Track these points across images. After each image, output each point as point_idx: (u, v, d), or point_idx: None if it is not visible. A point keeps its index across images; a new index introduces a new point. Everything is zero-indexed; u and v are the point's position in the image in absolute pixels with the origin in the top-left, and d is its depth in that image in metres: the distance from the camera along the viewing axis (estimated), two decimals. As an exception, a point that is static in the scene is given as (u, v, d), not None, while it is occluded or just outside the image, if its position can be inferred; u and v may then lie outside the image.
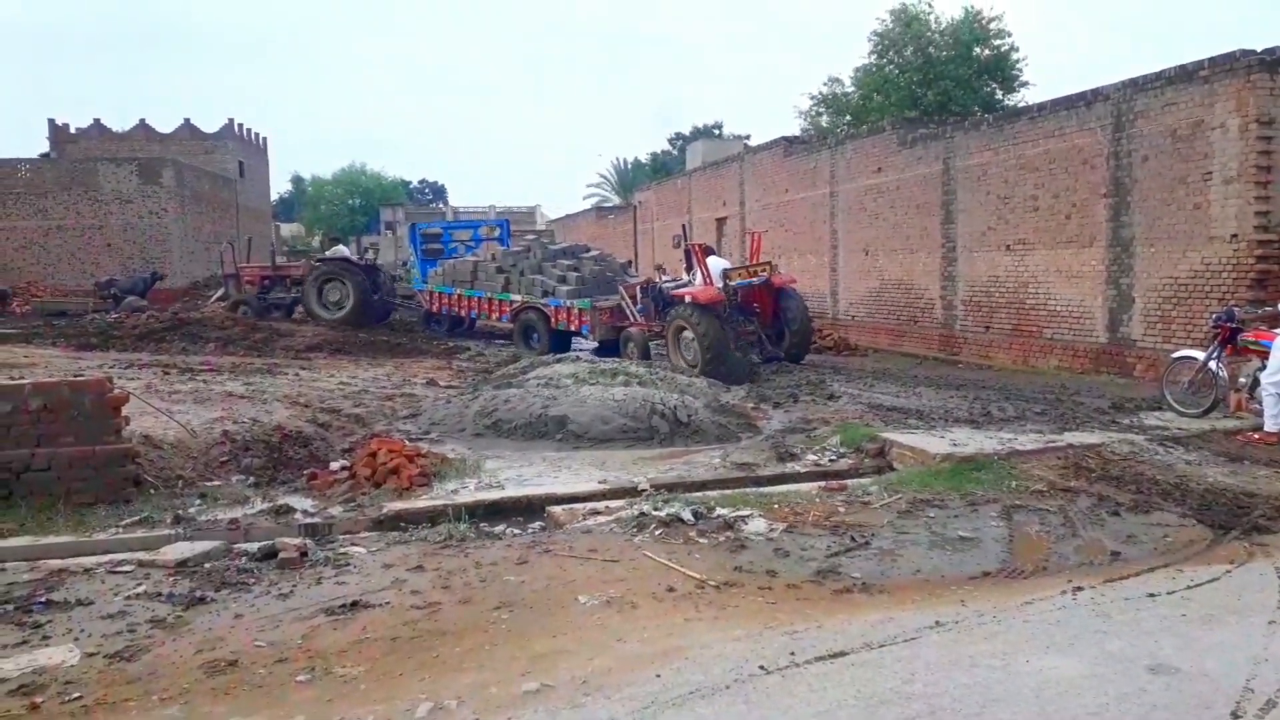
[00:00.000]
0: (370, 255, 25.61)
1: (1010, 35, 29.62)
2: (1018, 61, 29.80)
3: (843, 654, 4.32)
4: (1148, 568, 5.57)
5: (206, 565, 5.78)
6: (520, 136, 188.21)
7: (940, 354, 17.85)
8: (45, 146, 51.44)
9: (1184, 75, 12.63)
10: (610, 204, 55.96)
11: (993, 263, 16.56)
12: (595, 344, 17.66)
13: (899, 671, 4.13)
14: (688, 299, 14.78)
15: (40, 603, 5.15)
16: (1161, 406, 10.29)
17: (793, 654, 4.31)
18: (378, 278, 24.27)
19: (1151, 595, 5.08)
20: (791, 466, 8.46)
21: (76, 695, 4.04)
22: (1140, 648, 4.37)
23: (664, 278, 18.13)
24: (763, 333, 15.61)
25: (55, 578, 5.58)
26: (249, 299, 24.21)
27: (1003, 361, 16.17)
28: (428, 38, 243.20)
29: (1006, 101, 29.29)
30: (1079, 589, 5.19)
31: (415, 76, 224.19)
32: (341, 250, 25.47)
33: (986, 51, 29.49)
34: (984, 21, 29.50)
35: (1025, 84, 30.14)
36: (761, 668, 4.17)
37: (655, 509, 6.61)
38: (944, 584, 5.37)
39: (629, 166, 65.84)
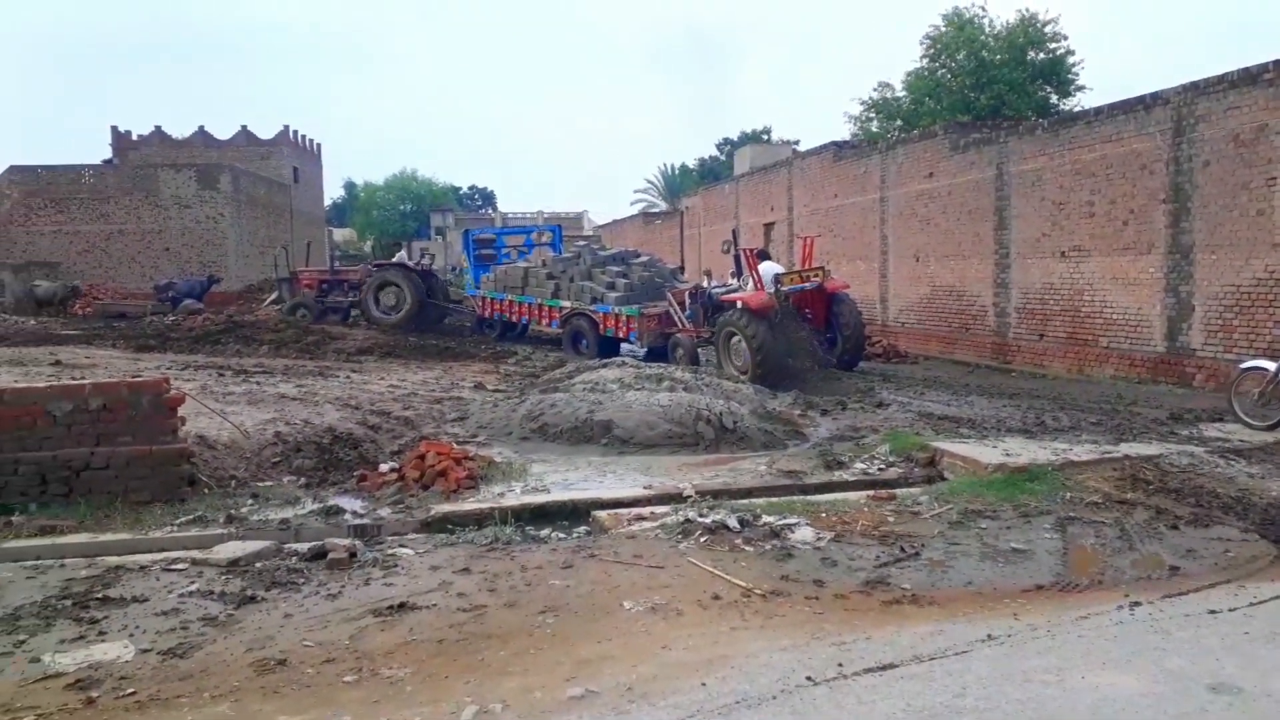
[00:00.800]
0: (426, 260, 25.92)
1: (1066, 38, 29.17)
2: (1073, 65, 29.32)
3: (892, 666, 4.25)
4: (1208, 583, 5.41)
5: (258, 564, 5.86)
6: (568, 143, 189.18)
7: (993, 362, 17.57)
8: (108, 153, 52.91)
9: (1247, 78, 12.32)
10: (657, 209, 55.99)
11: (1047, 269, 16.28)
12: (644, 350, 17.64)
13: (950, 685, 4.05)
14: (739, 304, 14.70)
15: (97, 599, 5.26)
16: (1224, 418, 10.02)
17: (840, 665, 4.25)
18: (433, 282, 24.59)
19: (1212, 612, 4.93)
20: (839, 475, 8.35)
21: (130, 690, 4.11)
22: (1201, 666, 4.24)
23: (711, 283, 18.05)
24: (815, 339, 15.46)
25: (112, 574, 5.70)
26: (307, 302, 24.67)
27: (1057, 370, 15.87)
28: (477, 46, 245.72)
29: (1062, 106, 28.81)
30: (1136, 604, 5.06)
31: (465, 83, 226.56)
32: (400, 255, 25.88)
33: (1041, 55, 29.03)
34: (1039, 24, 29.05)
35: (1081, 88, 29.68)
36: (809, 678, 4.11)
37: (700, 515, 6.57)
38: (996, 596, 5.26)
39: (676, 172, 65.88)
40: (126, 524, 6.78)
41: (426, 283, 23.99)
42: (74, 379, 10.79)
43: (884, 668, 4.23)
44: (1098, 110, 15.47)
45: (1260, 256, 12.20)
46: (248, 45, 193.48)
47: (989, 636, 4.61)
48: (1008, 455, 8.08)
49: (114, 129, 53.65)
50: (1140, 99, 14.19)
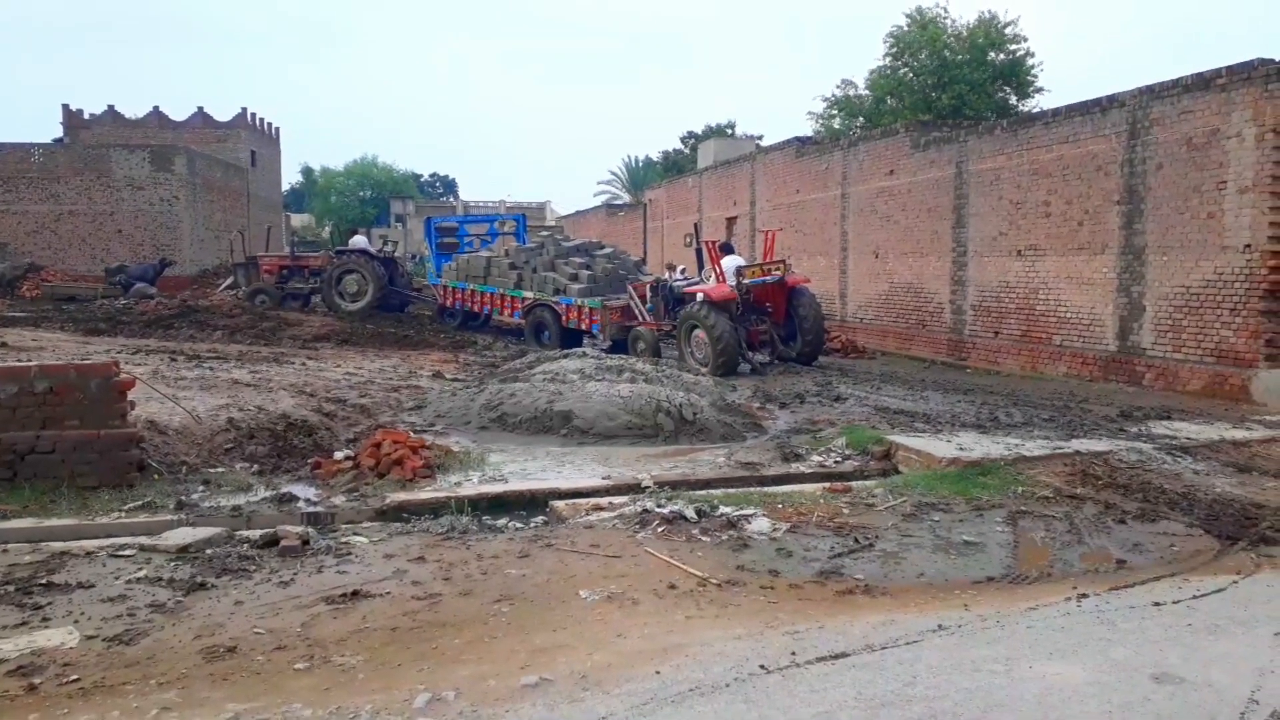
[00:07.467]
0: (389, 248, 25.69)
1: (1026, 40, 29.69)
2: (1033, 66, 29.80)
3: (844, 655, 4.29)
4: (1153, 576, 5.52)
5: (208, 551, 5.78)
6: (531, 132, 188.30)
7: (948, 358, 17.79)
8: (59, 131, 51.59)
9: (1201, 83, 12.55)
10: (620, 201, 55.86)
11: (1003, 268, 16.49)
12: (606, 344, 17.56)
13: (900, 674, 4.10)
14: (700, 296, 14.71)
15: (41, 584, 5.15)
16: (1171, 415, 10.22)
17: (794, 654, 4.28)
18: (395, 270, 24.39)
19: (1157, 604, 5.03)
20: (796, 467, 8.42)
21: (74, 677, 4.03)
22: (1145, 656, 4.33)
23: (676, 276, 18.02)
24: (775, 332, 15.52)
25: (57, 560, 5.58)
26: (267, 288, 24.34)
27: (1011, 367, 16.10)
28: (439, 31, 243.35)
29: (1020, 106, 29.23)
30: (1084, 596, 5.15)
31: (427, 70, 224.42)
32: (360, 241, 25.59)
33: (1001, 56, 29.43)
34: (1000, 25, 29.44)
35: (1040, 89, 30.20)
36: (762, 667, 4.14)
37: (658, 506, 6.59)
38: (947, 588, 5.33)
39: (640, 164, 65.70)
40: (73, 509, 6.64)
41: (389, 270, 23.80)
42: (20, 361, 10.54)
43: (836, 656, 4.27)
44: (1055, 111, 15.69)
45: (1210, 258, 12.45)
46: (204, 23, 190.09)
47: (939, 627, 4.67)
48: (961, 450, 8.19)
49: (65, 107, 52.29)
50: (1097, 101, 14.42)
